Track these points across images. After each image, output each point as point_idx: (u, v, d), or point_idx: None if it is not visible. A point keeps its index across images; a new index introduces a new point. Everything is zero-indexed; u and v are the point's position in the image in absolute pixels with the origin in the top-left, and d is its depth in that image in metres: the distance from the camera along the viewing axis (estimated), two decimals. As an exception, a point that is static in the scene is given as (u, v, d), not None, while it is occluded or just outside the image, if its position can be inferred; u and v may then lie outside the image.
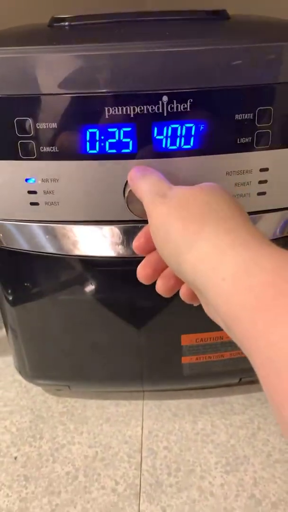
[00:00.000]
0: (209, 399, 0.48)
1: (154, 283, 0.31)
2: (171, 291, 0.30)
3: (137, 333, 0.42)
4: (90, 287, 0.40)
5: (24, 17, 0.48)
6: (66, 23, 0.38)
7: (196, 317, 0.41)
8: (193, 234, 0.24)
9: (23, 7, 0.64)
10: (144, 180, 0.30)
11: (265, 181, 0.34)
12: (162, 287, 0.30)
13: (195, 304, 0.28)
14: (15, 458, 0.43)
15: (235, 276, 0.21)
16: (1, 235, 0.37)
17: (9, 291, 0.41)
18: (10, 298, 0.41)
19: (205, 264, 0.22)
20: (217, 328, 0.41)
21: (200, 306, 0.38)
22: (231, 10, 0.40)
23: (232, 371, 0.45)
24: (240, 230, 0.23)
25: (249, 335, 0.19)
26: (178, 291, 0.30)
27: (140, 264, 0.30)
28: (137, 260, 0.36)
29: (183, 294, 0.29)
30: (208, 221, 0.24)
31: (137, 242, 0.30)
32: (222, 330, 0.42)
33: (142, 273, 0.30)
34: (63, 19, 0.38)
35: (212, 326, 0.41)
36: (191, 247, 0.24)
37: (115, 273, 0.39)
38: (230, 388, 0.49)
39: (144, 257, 0.34)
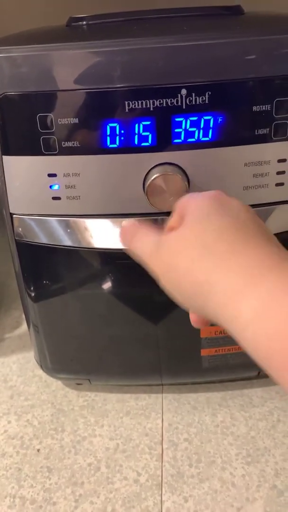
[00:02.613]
0: (228, 392, 0.49)
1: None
2: (207, 322, 0.29)
3: (156, 326, 0.43)
4: (110, 281, 0.40)
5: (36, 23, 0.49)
6: (84, 22, 0.39)
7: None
8: (204, 287, 0.22)
9: (35, 13, 0.66)
10: (134, 241, 0.29)
11: (283, 172, 0.34)
12: (196, 321, 0.29)
13: None
14: (38, 450, 0.44)
15: (253, 323, 0.20)
16: (20, 229, 0.38)
17: (31, 285, 0.42)
18: (32, 292, 0.42)
19: (224, 315, 0.21)
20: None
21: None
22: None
23: (251, 364, 0.45)
24: (243, 263, 0.21)
25: (279, 381, 0.19)
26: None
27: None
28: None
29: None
30: (211, 269, 0.22)
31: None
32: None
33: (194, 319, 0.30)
34: (81, 19, 0.39)
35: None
36: (206, 299, 0.22)
37: (135, 266, 0.39)
38: (248, 381, 0.50)
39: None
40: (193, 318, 0.30)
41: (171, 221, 0.28)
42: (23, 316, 0.61)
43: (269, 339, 0.19)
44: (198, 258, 0.23)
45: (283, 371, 0.18)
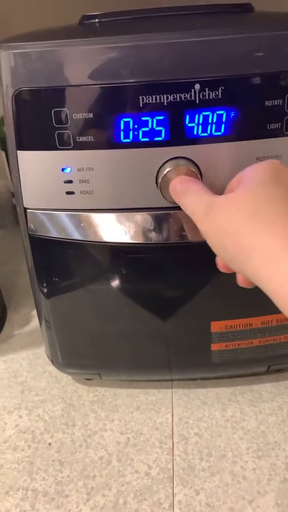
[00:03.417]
0: (237, 388, 0.49)
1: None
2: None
3: (167, 320, 0.43)
4: (121, 275, 0.41)
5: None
6: (96, 20, 0.40)
7: (226, 304, 0.42)
8: (246, 248, 0.24)
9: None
10: (186, 198, 0.31)
11: (295, 166, 0.35)
12: (243, 282, 0.31)
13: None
14: (49, 444, 0.44)
15: None
16: (34, 224, 0.38)
17: (43, 280, 0.42)
18: (44, 287, 0.42)
19: (261, 275, 0.23)
20: (246, 315, 0.42)
21: (230, 293, 0.39)
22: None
23: (260, 359, 0.46)
24: None
25: None
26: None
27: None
28: (169, 246, 0.37)
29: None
30: (257, 231, 0.24)
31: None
32: (251, 316, 0.43)
33: (222, 263, 0.31)
34: (93, 17, 0.40)
35: (242, 312, 0.42)
36: (247, 261, 0.24)
37: (147, 260, 0.40)
38: (258, 377, 0.50)
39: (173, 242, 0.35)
40: (224, 266, 0.31)
41: (230, 184, 0.30)
42: (32, 313, 0.62)
43: None
44: (247, 221, 0.25)
45: None
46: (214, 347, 0.44)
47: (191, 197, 0.30)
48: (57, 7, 0.65)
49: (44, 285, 0.42)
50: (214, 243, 0.28)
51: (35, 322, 0.61)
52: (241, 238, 0.25)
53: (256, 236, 0.24)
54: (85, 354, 0.47)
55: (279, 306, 0.23)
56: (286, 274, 0.22)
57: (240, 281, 0.31)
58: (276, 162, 0.28)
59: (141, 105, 0.32)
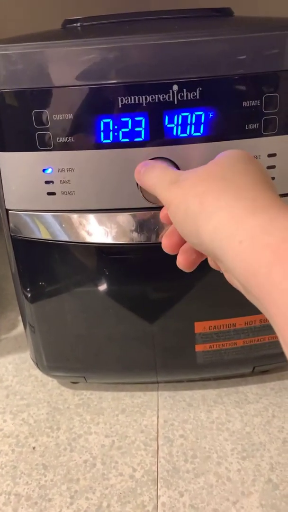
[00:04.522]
0: (223, 390, 0.49)
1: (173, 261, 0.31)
2: (193, 265, 0.30)
3: (151, 322, 0.43)
4: (105, 276, 0.41)
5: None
6: (78, 24, 0.40)
7: (209, 304, 0.42)
8: (210, 206, 0.24)
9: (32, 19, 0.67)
10: (150, 173, 0.31)
11: (273, 167, 0.35)
12: (183, 262, 0.30)
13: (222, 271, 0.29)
14: (34, 448, 0.44)
15: (252, 237, 0.21)
16: (16, 225, 0.38)
17: (26, 283, 0.42)
18: (27, 291, 0.42)
19: (222, 232, 0.23)
20: (230, 315, 0.43)
21: (213, 293, 0.39)
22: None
23: (245, 360, 0.46)
24: (259, 198, 0.24)
25: (265, 289, 0.19)
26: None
27: (165, 234, 0.31)
28: (151, 246, 0.37)
29: (211, 262, 0.30)
30: (225, 192, 0.24)
31: (166, 240, 0.31)
32: (234, 317, 0.43)
33: (167, 242, 0.31)
34: (75, 20, 0.40)
35: (225, 313, 0.42)
36: (209, 219, 0.24)
37: (130, 260, 0.40)
38: (244, 378, 0.50)
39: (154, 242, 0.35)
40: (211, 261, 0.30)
41: None
42: (19, 318, 0.62)
43: (261, 250, 0.20)
44: (215, 183, 0.25)
45: (265, 283, 0.20)
46: (199, 348, 0.44)
47: (158, 170, 0.31)
48: (43, 13, 0.66)
49: (28, 289, 0.42)
50: (175, 209, 0.27)
51: (21, 327, 0.60)
52: (207, 197, 0.25)
53: (223, 196, 0.24)
54: (69, 357, 0.46)
55: (232, 265, 0.22)
56: (247, 231, 0.21)
57: (211, 262, 0.30)
58: (246, 152, 0.29)
59: (120, 106, 0.32)
